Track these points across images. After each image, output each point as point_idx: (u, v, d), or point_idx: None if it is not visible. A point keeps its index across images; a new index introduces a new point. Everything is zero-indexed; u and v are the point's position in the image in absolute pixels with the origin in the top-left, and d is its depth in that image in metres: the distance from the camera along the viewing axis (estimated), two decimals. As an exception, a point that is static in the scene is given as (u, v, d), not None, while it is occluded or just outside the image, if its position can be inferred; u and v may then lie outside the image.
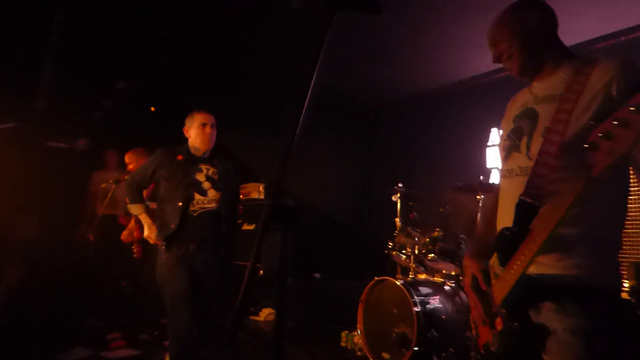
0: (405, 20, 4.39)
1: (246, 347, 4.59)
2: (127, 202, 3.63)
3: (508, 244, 1.40)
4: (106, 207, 5.95)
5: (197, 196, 3.39)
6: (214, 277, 3.43)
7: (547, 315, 1.39)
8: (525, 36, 1.61)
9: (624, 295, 2.09)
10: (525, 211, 1.36)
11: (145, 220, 3.62)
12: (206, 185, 3.44)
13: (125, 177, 5.78)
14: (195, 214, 3.37)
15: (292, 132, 1.39)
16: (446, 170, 5.97)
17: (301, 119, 1.41)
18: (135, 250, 4.89)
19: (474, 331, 1.65)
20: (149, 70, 5.38)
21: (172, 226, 3.31)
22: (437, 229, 4.28)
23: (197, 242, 3.38)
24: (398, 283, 3.93)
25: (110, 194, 5.66)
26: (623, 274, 1.47)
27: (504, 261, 1.41)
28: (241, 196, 6.31)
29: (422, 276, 4.37)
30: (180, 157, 3.43)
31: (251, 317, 5.45)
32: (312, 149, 6.86)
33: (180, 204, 3.33)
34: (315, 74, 1.40)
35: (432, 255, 4.23)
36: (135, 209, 3.62)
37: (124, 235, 4.99)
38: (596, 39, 4.41)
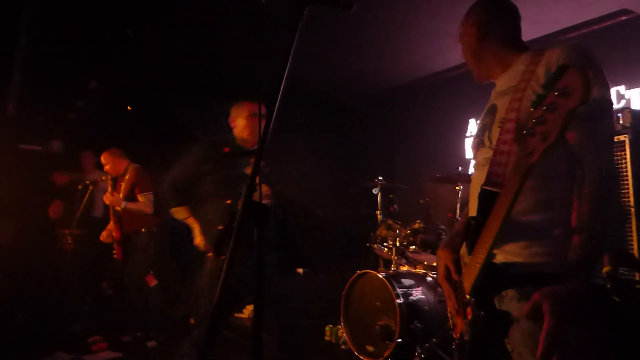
0: (379, 13, 4.39)
1: (230, 344, 4.57)
2: (170, 205, 3.21)
3: (473, 233, 1.42)
4: (84, 209, 5.88)
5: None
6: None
7: (511, 304, 1.42)
8: (474, 47, 1.72)
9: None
10: (486, 199, 1.38)
11: (193, 224, 3.22)
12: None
13: (103, 178, 5.76)
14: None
15: (265, 128, 1.38)
16: (425, 162, 6.01)
17: (274, 115, 1.40)
18: (115, 252, 4.83)
19: (450, 322, 1.67)
20: (122, 69, 5.30)
21: (220, 227, 2.92)
22: (418, 221, 4.31)
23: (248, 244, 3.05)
24: (380, 276, 3.95)
25: (87, 195, 5.59)
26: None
27: (471, 250, 1.43)
28: None
29: (404, 268, 4.40)
30: (227, 150, 3.06)
31: (235, 315, 5.42)
32: (291, 145, 6.85)
33: (229, 201, 2.94)
34: (287, 69, 1.39)
35: (414, 247, 4.26)
36: (180, 213, 3.20)
37: (103, 236, 4.93)
38: (568, 29, 4.46)
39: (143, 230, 4.76)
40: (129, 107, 6.53)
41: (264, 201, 2.97)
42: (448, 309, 1.68)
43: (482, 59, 1.72)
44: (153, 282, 4.75)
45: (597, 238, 1.32)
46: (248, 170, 2.97)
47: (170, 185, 3.18)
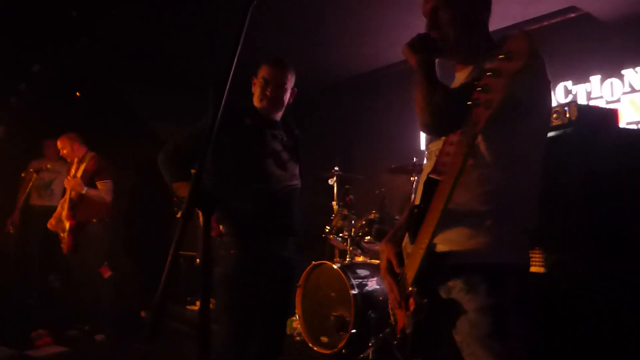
0: (336, 2, 4.35)
1: (182, 337, 4.50)
2: (170, 180, 2.53)
3: (416, 221, 1.41)
4: (40, 197, 5.65)
5: (278, 171, 2.54)
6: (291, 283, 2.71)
7: (459, 296, 1.41)
8: (465, 11, 1.56)
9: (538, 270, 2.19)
10: (430, 187, 1.37)
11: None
12: (285, 156, 2.62)
13: (49, 166, 5.53)
14: (279, 195, 2.51)
15: (213, 117, 1.33)
16: (381, 152, 6.05)
17: (222, 103, 1.35)
18: (64, 242, 4.63)
19: (392, 318, 1.66)
20: (68, 52, 5.07)
21: (248, 211, 2.42)
22: (373, 211, 4.33)
23: (281, 234, 2.55)
24: (335, 267, 3.96)
25: (30, 183, 5.35)
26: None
27: (413, 239, 1.42)
28: None
29: (360, 259, 4.42)
30: (249, 121, 2.55)
31: (188, 307, 5.34)
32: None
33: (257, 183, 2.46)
34: (237, 55, 1.35)
35: (369, 237, 4.28)
36: (183, 190, 2.45)
37: (51, 224, 4.72)
38: (518, 24, 4.56)
39: (94, 220, 4.61)
40: (77, 94, 6.28)
41: (293, 182, 2.63)
42: (389, 305, 1.67)
43: (473, 33, 1.56)
44: (107, 274, 4.61)
45: None
46: (277, 146, 2.59)
47: (169, 158, 2.52)
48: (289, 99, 2.72)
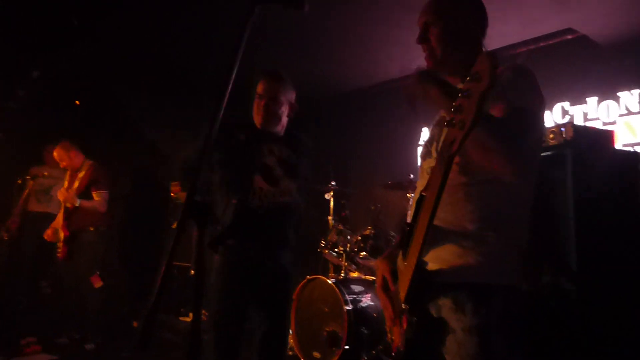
0: (335, 18, 4.40)
1: (173, 347, 4.46)
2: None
3: (407, 239, 1.42)
4: (38, 203, 5.64)
5: (266, 186, 2.52)
6: (276, 294, 2.58)
7: (448, 315, 1.41)
8: (451, 27, 1.58)
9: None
10: (420, 205, 1.37)
11: None
12: (278, 171, 2.57)
13: (45, 174, 5.52)
14: (264, 210, 2.49)
15: (210, 127, 1.34)
16: (378, 168, 6.06)
17: (220, 114, 1.36)
18: (59, 251, 4.61)
19: (389, 336, 1.66)
20: (67, 58, 5.09)
21: (226, 223, 2.47)
22: (369, 227, 4.33)
23: (261, 246, 2.53)
24: (329, 282, 3.94)
25: (27, 189, 5.34)
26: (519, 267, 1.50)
27: (405, 256, 1.43)
28: (172, 194, 6.10)
29: (354, 274, 4.41)
30: (242, 137, 2.58)
31: (180, 318, 5.29)
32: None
33: (235, 201, 2.50)
34: (235, 68, 1.35)
35: (364, 253, 4.27)
36: None
37: (48, 234, 4.71)
38: (517, 44, 4.61)
39: (91, 228, 4.61)
40: (77, 102, 6.29)
41: (284, 197, 2.55)
42: (386, 323, 1.66)
43: (457, 48, 1.58)
44: (98, 284, 4.59)
45: None
46: (269, 161, 2.55)
47: (182, 166, 2.74)
48: (289, 112, 2.70)
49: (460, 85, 1.16)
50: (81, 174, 4.59)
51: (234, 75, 1.36)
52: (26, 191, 5.34)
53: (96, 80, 6.06)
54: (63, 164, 4.81)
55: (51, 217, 5.78)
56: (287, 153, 2.64)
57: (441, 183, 1.22)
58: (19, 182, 5.34)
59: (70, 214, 4.58)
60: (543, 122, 1.49)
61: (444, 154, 1.20)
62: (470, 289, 1.39)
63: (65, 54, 4.95)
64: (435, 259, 1.44)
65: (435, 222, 1.28)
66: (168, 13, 4.43)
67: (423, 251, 1.30)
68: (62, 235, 4.58)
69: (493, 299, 1.39)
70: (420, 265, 1.34)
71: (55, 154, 4.81)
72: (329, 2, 4.07)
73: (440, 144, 1.56)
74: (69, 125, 5.79)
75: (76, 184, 4.63)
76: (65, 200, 4.54)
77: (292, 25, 4.38)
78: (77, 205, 4.51)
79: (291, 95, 2.74)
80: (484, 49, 1.63)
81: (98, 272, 4.60)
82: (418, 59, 1.76)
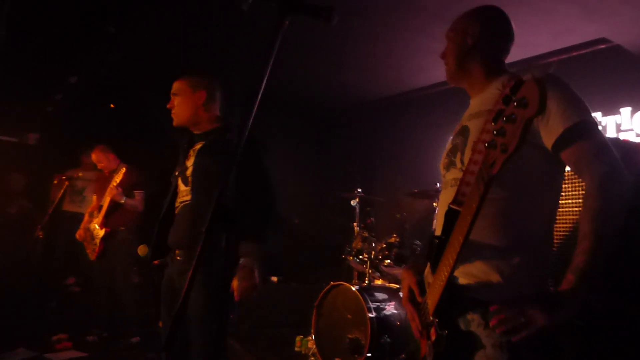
0: (365, 27, 4.42)
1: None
2: None
3: (437, 252, 1.42)
4: (72, 203, 5.82)
5: (182, 186, 2.49)
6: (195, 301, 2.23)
7: (478, 330, 1.42)
8: (461, 45, 1.67)
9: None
10: (451, 218, 1.38)
11: None
12: (188, 172, 2.48)
13: (80, 175, 5.69)
14: (174, 212, 2.50)
15: (240, 134, 1.37)
16: (404, 176, 6.04)
17: (250, 122, 1.40)
18: (95, 249, 4.70)
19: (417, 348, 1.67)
20: (102, 64, 5.24)
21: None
22: (394, 235, 4.31)
23: (176, 248, 2.47)
24: (353, 288, 3.94)
25: (62, 190, 5.51)
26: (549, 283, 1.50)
27: (434, 269, 1.43)
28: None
29: (378, 282, 4.40)
30: (183, 143, 2.62)
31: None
32: (269, 153, 6.82)
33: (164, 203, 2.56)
34: (265, 77, 1.39)
35: (388, 261, 4.26)
36: None
37: (80, 235, 4.83)
38: (547, 54, 4.56)
39: (122, 228, 4.72)
40: (112, 105, 6.47)
41: (186, 197, 2.45)
42: (414, 334, 1.67)
43: (466, 64, 1.68)
44: (135, 279, 4.71)
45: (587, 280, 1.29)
46: (189, 162, 2.48)
47: None
48: (195, 102, 2.49)
49: (501, 106, 1.16)
50: (117, 176, 4.69)
51: (264, 85, 1.40)
52: (61, 191, 5.50)
53: (127, 86, 6.22)
54: (101, 165, 4.93)
55: (82, 217, 5.97)
56: (209, 152, 2.45)
57: (479, 203, 1.23)
58: (55, 182, 5.51)
59: (110, 212, 4.69)
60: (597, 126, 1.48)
61: (484, 175, 1.21)
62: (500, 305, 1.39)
63: (101, 60, 5.09)
64: (465, 274, 1.46)
65: (472, 238, 1.29)
66: (197, 21, 4.52)
67: (456, 267, 1.32)
68: (101, 233, 4.67)
69: None
70: (452, 281, 1.35)
71: (94, 156, 4.93)
72: (358, 11, 4.10)
73: (464, 154, 1.57)
74: (103, 128, 5.96)
75: (112, 185, 4.74)
76: (113, 197, 4.63)
77: (320, 33, 4.42)
78: (122, 202, 4.62)
79: (189, 88, 2.52)
80: (504, 64, 1.69)
81: (136, 269, 4.71)
82: (445, 68, 1.80)
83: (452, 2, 3.84)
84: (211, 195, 2.18)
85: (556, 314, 1.26)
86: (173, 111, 2.53)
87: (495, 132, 1.16)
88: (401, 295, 1.74)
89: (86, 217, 4.89)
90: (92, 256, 4.71)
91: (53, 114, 6.38)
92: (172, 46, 5.12)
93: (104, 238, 4.66)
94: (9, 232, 5.84)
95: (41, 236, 5.52)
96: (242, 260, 2.29)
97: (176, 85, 2.54)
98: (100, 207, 4.73)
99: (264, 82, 1.39)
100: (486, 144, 1.18)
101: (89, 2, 4.09)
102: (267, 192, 2.52)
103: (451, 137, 1.74)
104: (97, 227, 4.70)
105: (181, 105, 2.51)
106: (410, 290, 1.65)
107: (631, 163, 2.43)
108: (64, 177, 5.58)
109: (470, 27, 1.66)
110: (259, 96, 1.40)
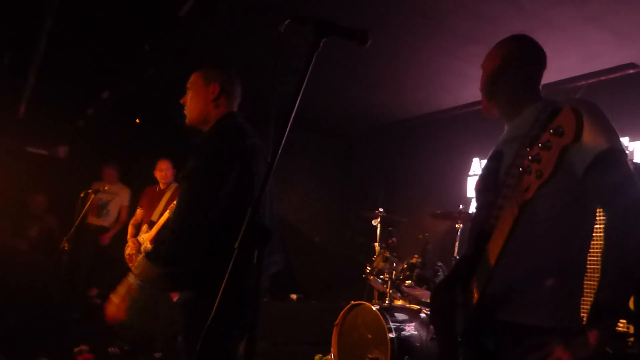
0: (392, 47, 4.46)
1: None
2: None
3: (466, 272, 1.43)
4: (96, 217, 5.92)
5: None
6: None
7: (505, 352, 1.43)
8: (492, 75, 1.71)
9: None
10: (483, 240, 1.38)
11: None
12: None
13: (106, 188, 5.79)
14: None
15: (273, 153, 1.40)
16: (426, 197, 6.02)
17: (283, 142, 1.42)
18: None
19: None
20: (134, 81, 5.36)
21: None
22: (415, 256, 4.29)
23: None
24: (374, 308, 3.92)
25: (88, 203, 5.60)
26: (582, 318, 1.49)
27: (464, 289, 1.43)
28: None
29: (399, 302, 4.37)
30: None
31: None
32: (293, 169, 6.88)
33: None
34: (299, 98, 1.42)
35: (409, 281, 4.23)
36: None
37: (130, 254, 4.80)
38: (578, 77, 4.53)
39: None
40: (137, 120, 6.60)
41: None
42: (439, 353, 1.67)
43: (497, 93, 1.71)
44: (176, 297, 4.71)
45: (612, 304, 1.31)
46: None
47: None
48: (207, 96, 2.25)
49: (536, 132, 1.18)
50: (169, 193, 4.68)
51: (297, 104, 1.43)
52: (88, 204, 5.60)
53: (156, 101, 6.35)
54: (165, 179, 4.89)
55: (105, 230, 6.05)
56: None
57: (512, 226, 1.25)
58: (82, 195, 5.61)
59: None
60: (626, 154, 1.48)
61: (518, 199, 1.23)
62: (530, 330, 1.39)
63: (133, 77, 5.20)
64: (496, 296, 1.46)
65: (502, 261, 1.29)
66: (232, 41, 4.62)
67: (487, 288, 1.32)
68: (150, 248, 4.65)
69: (555, 342, 1.38)
70: (482, 302, 1.35)
71: (162, 166, 4.92)
72: (383, 31, 4.15)
73: (499, 179, 1.58)
74: (130, 143, 6.08)
75: (163, 201, 4.76)
76: None
77: (346, 53, 4.47)
78: None
79: (202, 81, 2.30)
80: (539, 91, 1.70)
81: None
82: (471, 90, 1.83)
83: (478, 24, 3.88)
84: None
85: (582, 351, 1.26)
86: (185, 107, 2.32)
87: (530, 158, 1.17)
88: (425, 315, 1.75)
89: (130, 230, 4.88)
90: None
91: (83, 128, 6.55)
92: (203, 64, 5.21)
93: None
94: (31, 253, 5.96)
95: (67, 248, 5.60)
96: None
97: (191, 78, 2.33)
98: (151, 222, 4.72)
99: (297, 102, 1.42)
100: (520, 169, 1.20)
101: (124, 20, 4.21)
102: None
103: (486, 161, 1.75)
104: (147, 242, 4.70)
105: (192, 100, 2.28)
106: (439, 310, 1.65)
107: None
108: (90, 191, 5.68)
109: (499, 57, 1.70)
110: (292, 116, 1.42)
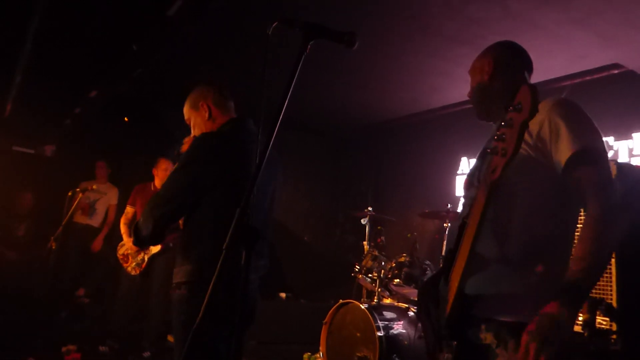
0: (380, 48, 4.49)
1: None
2: None
3: (449, 264, 1.45)
4: (83, 215, 5.87)
5: None
6: None
7: (489, 347, 1.43)
8: (479, 83, 1.74)
9: (577, 329, 2.16)
10: (462, 231, 1.40)
11: None
12: None
13: (94, 187, 5.76)
14: None
15: (261, 154, 1.41)
16: (415, 196, 6.06)
17: (271, 143, 1.43)
18: (131, 265, 4.67)
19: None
20: (123, 80, 5.33)
21: None
22: (404, 254, 4.32)
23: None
24: (362, 307, 3.94)
25: (76, 201, 5.56)
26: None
27: (446, 282, 1.46)
28: None
29: (387, 301, 4.39)
30: None
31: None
32: (283, 169, 6.87)
33: None
34: (287, 99, 1.43)
35: (398, 280, 4.26)
36: None
37: (124, 254, 4.76)
38: (561, 78, 4.59)
39: (171, 244, 4.70)
40: (125, 119, 6.57)
41: None
42: (427, 348, 1.69)
43: (487, 98, 1.73)
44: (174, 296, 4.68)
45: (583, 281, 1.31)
46: None
47: None
48: (203, 117, 2.34)
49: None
50: None
51: (285, 105, 1.44)
52: (75, 203, 5.55)
53: (145, 100, 6.32)
54: (166, 175, 4.86)
55: (93, 229, 6.00)
56: None
57: (483, 209, 1.26)
58: (70, 194, 5.57)
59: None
60: (606, 153, 1.50)
61: (487, 180, 1.24)
62: (512, 326, 1.40)
63: (122, 76, 5.17)
64: (478, 287, 1.46)
65: (479, 250, 1.31)
66: (221, 43, 4.61)
67: (464, 278, 1.34)
68: (155, 249, 4.60)
69: None
70: (462, 292, 1.37)
71: (165, 166, 4.88)
72: (371, 32, 4.17)
73: (482, 175, 1.60)
74: (119, 142, 6.04)
75: None
76: None
77: (334, 54, 4.48)
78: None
79: (188, 111, 2.40)
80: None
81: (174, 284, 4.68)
82: (459, 90, 1.86)
83: (466, 25, 3.91)
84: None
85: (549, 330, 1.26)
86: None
87: (496, 138, 1.19)
88: (413, 314, 1.77)
89: (124, 229, 4.83)
90: (134, 271, 4.63)
91: (71, 128, 6.49)
92: (195, 65, 5.21)
93: (156, 254, 4.60)
94: (19, 251, 5.92)
95: (54, 247, 5.56)
96: None
97: (184, 114, 2.41)
98: None
99: (286, 102, 1.44)
100: (489, 150, 1.22)
101: (112, 19, 4.19)
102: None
103: (475, 160, 1.78)
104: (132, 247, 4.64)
105: (195, 129, 2.36)
106: (425, 304, 1.67)
107: (643, 189, 2.44)
108: (78, 189, 5.64)
109: (484, 65, 1.73)
110: (281, 116, 1.44)
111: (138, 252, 4.65)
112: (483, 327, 1.45)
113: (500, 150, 1.18)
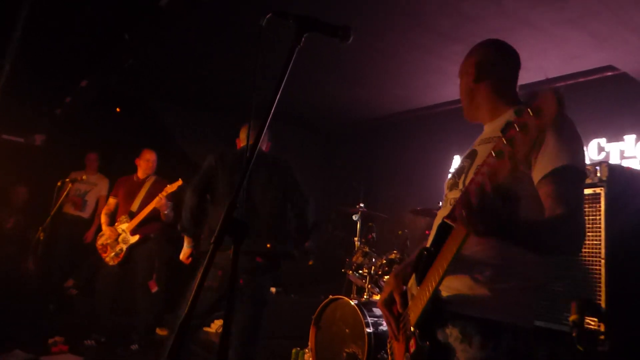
0: (374, 44, 4.47)
1: (195, 359, 4.50)
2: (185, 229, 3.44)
3: (424, 264, 1.44)
4: (73, 206, 5.83)
5: None
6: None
7: (455, 344, 1.43)
8: (467, 83, 1.73)
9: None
10: (443, 232, 1.38)
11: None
12: None
13: (84, 178, 5.72)
14: None
15: (252, 148, 1.39)
16: (407, 193, 6.06)
17: (262, 136, 1.42)
18: (109, 255, 4.64)
19: (389, 351, 1.69)
20: (114, 70, 5.29)
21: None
22: (395, 251, 4.32)
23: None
24: (352, 303, 3.94)
25: (65, 192, 5.51)
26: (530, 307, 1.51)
27: (420, 281, 1.45)
28: None
29: (377, 297, 4.39)
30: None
31: (204, 329, 5.35)
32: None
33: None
34: (279, 92, 1.41)
35: (388, 277, 4.26)
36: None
37: (103, 244, 4.74)
38: (555, 78, 4.60)
39: (152, 235, 4.68)
40: (117, 109, 6.52)
41: None
42: (388, 340, 1.70)
43: (475, 99, 1.72)
44: (154, 289, 4.66)
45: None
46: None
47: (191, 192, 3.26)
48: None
49: (514, 118, 1.15)
50: (171, 187, 4.56)
51: (277, 100, 1.42)
52: (64, 193, 5.51)
53: (138, 93, 6.27)
54: (147, 169, 4.84)
55: (83, 220, 5.96)
56: None
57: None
58: (59, 184, 5.52)
59: (147, 220, 4.61)
60: (585, 175, 1.48)
61: (486, 185, 1.21)
62: (479, 323, 1.41)
63: (115, 68, 5.13)
64: (450, 288, 1.47)
65: (463, 252, 1.29)
66: (214, 35, 4.57)
67: (442, 280, 1.33)
68: (132, 239, 4.59)
69: (502, 336, 1.41)
70: (437, 295, 1.36)
71: (148, 156, 4.87)
72: (366, 29, 4.15)
73: (468, 176, 1.59)
74: (110, 133, 5.98)
75: (142, 192, 4.70)
76: (161, 207, 4.54)
77: (328, 49, 4.46)
78: (166, 213, 4.56)
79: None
80: (518, 92, 1.72)
81: (155, 276, 4.67)
82: (452, 88, 1.85)
83: (460, 22, 3.90)
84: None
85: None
86: None
87: (504, 142, 1.12)
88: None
89: (104, 219, 4.80)
90: (112, 261, 4.61)
91: (62, 117, 6.42)
92: (187, 57, 5.17)
93: (135, 244, 4.58)
94: (6, 242, 5.85)
95: (42, 238, 5.51)
96: None
97: None
98: (131, 213, 4.65)
99: (278, 97, 1.42)
100: (493, 154, 1.14)
101: (104, 8, 4.14)
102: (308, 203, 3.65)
103: (461, 159, 1.76)
104: (127, 232, 4.62)
105: None
106: (391, 297, 1.66)
107: (634, 190, 2.45)
108: (67, 180, 5.59)
109: (472, 65, 1.71)
110: (272, 111, 1.42)
111: (116, 242, 4.62)
112: (450, 323, 1.45)
113: (509, 153, 1.11)
